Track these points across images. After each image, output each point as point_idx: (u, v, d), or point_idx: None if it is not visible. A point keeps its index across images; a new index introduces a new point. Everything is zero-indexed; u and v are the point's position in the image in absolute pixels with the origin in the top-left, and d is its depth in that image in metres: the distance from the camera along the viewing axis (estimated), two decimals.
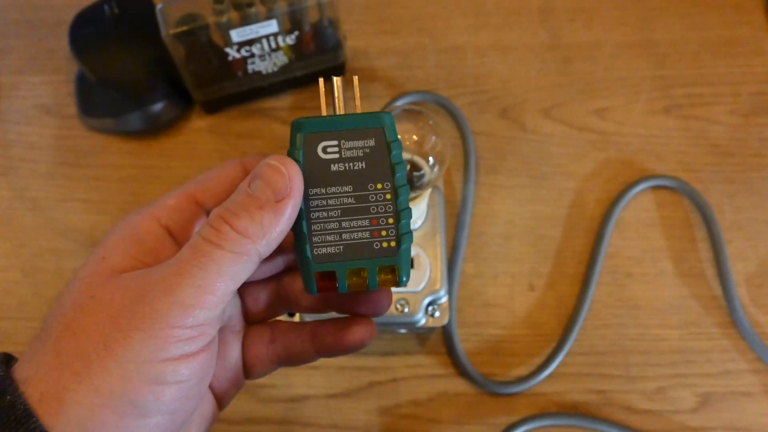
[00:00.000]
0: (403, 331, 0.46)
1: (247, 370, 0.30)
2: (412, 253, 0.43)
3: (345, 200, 0.26)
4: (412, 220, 0.43)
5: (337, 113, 0.27)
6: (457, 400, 0.47)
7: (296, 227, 0.26)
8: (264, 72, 0.52)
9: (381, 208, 0.26)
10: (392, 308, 0.42)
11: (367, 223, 0.26)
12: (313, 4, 0.48)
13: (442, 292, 0.43)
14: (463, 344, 0.47)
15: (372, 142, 0.26)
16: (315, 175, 0.26)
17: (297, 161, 0.26)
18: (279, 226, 0.24)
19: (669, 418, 0.46)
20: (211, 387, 0.29)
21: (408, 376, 0.47)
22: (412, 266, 0.43)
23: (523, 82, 0.56)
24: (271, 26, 0.48)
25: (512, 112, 0.55)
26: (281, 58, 0.51)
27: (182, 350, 0.23)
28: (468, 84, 0.56)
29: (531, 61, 0.57)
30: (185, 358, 0.23)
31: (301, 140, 0.26)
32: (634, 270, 0.50)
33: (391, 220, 0.26)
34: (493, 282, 0.50)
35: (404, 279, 0.26)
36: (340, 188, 0.26)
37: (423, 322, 0.43)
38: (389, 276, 0.26)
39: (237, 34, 0.48)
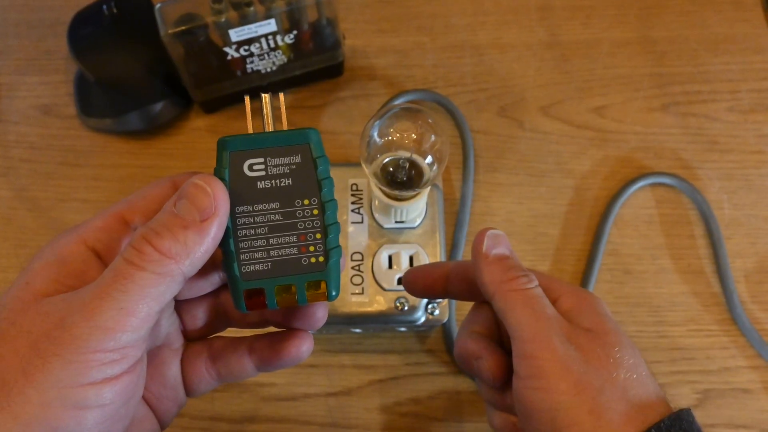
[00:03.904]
0: (402, 329, 0.46)
1: (188, 388, 0.30)
2: (412, 251, 0.43)
3: (272, 217, 0.26)
4: (411, 218, 0.43)
5: (265, 130, 0.27)
6: (458, 397, 0.47)
7: (224, 245, 0.26)
8: (263, 71, 0.52)
9: (308, 224, 0.26)
10: (392, 306, 0.42)
11: (294, 239, 0.26)
12: (312, 3, 0.48)
13: None
14: None
15: (298, 159, 0.26)
16: (241, 193, 0.26)
17: (223, 180, 0.26)
18: (203, 245, 0.24)
19: None
20: (150, 406, 0.29)
21: (408, 374, 0.47)
22: (411, 264, 0.43)
23: (522, 80, 0.56)
24: (270, 25, 0.48)
25: (511, 111, 0.55)
26: (280, 58, 0.51)
27: (104, 374, 0.23)
28: (467, 82, 0.56)
29: (529, 60, 0.57)
30: (108, 382, 0.23)
31: (227, 159, 0.26)
32: (633, 267, 0.50)
33: (318, 236, 0.26)
34: None
35: (333, 293, 0.26)
36: (266, 205, 0.26)
37: (423, 320, 0.43)
38: (319, 291, 0.26)
39: (236, 34, 0.48)
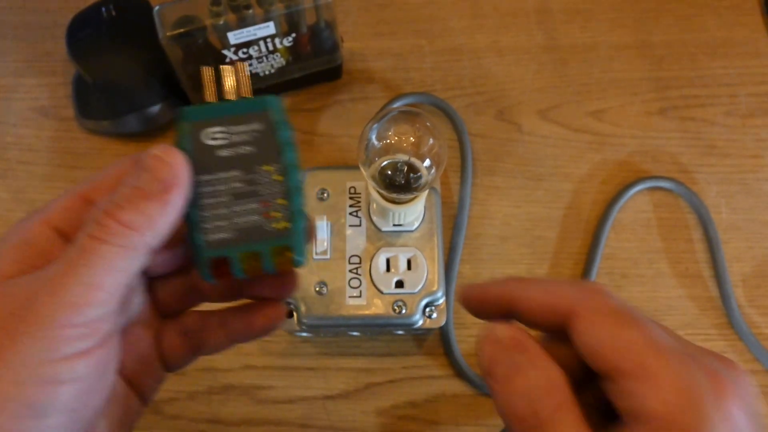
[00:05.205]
0: (400, 332, 0.46)
1: (166, 363, 0.30)
2: (410, 254, 0.43)
3: (234, 185, 0.26)
4: (409, 222, 0.43)
5: (227, 99, 0.27)
6: (455, 401, 0.47)
7: (186, 215, 0.26)
8: (261, 74, 0.52)
9: (271, 189, 0.26)
10: (389, 310, 0.42)
11: (257, 205, 0.26)
12: (310, 6, 0.48)
13: (440, 294, 0.43)
14: (460, 345, 0.47)
15: (258, 126, 0.26)
16: (202, 162, 0.26)
17: (183, 150, 0.25)
18: (166, 216, 0.24)
19: None
20: (129, 382, 0.29)
21: (405, 377, 0.47)
22: (409, 267, 0.43)
23: (520, 83, 0.56)
24: (268, 28, 0.48)
25: (509, 114, 0.55)
26: (278, 60, 0.51)
27: (75, 348, 0.23)
28: (465, 86, 0.56)
29: (527, 63, 0.57)
30: (79, 356, 0.23)
31: (188, 129, 0.26)
32: (630, 271, 0.50)
33: (281, 201, 0.26)
34: None
35: (299, 258, 0.26)
36: (228, 173, 0.26)
37: (420, 323, 0.43)
38: (285, 257, 0.26)
39: (234, 36, 0.48)
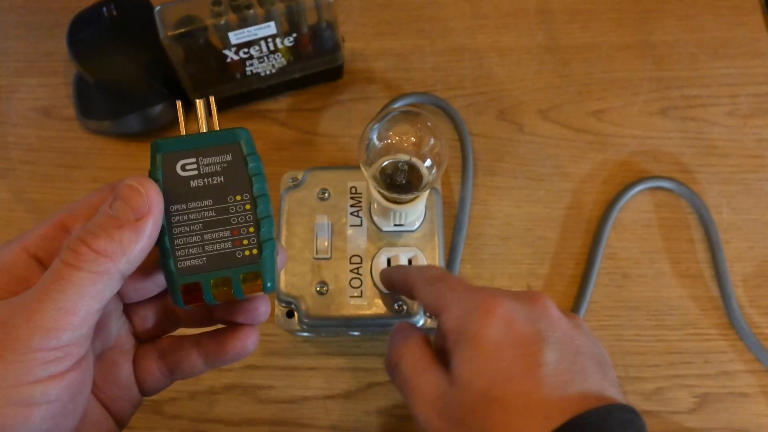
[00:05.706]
0: None
1: (142, 387, 0.31)
2: (411, 254, 0.43)
3: (206, 214, 0.27)
4: (410, 221, 0.43)
5: (199, 132, 0.29)
6: None
7: (160, 243, 0.27)
8: (262, 74, 0.52)
9: (241, 219, 0.27)
10: (390, 309, 0.42)
11: (228, 233, 0.27)
12: (311, 5, 0.48)
13: None
14: None
15: (229, 157, 0.28)
16: (175, 192, 0.27)
17: (156, 180, 0.27)
18: (139, 243, 0.25)
19: (667, 419, 0.46)
20: (106, 407, 0.30)
21: None
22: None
23: (521, 83, 0.56)
24: (269, 28, 0.48)
25: (510, 114, 0.55)
26: (279, 60, 0.51)
27: (49, 371, 0.23)
28: (466, 86, 0.56)
29: (528, 63, 0.57)
30: (53, 379, 0.24)
31: (160, 160, 0.27)
32: (631, 271, 0.50)
33: (251, 229, 0.27)
34: (491, 283, 0.50)
35: (268, 285, 0.27)
36: (200, 203, 0.27)
37: (422, 323, 0.43)
38: (255, 283, 0.27)
39: (235, 36, 0.48)
